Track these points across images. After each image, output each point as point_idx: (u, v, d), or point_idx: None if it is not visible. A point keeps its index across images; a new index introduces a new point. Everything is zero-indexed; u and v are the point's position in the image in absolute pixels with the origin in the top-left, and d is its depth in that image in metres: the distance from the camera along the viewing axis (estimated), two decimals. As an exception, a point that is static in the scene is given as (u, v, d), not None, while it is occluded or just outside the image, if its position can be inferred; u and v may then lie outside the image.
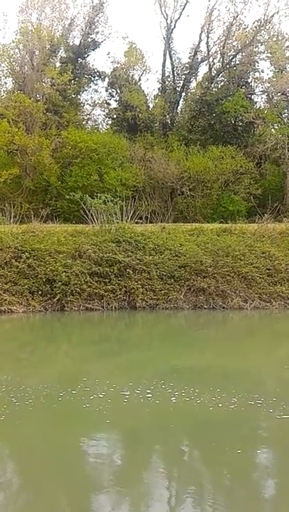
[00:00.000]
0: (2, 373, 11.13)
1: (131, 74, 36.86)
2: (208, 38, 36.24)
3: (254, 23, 35.51)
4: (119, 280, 18.91)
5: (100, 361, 12.53)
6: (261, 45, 35.82)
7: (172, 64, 37.21)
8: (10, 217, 21.82)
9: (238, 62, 36.16)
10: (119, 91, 36.32)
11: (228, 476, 6.60)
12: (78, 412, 8.44)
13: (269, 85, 36.41)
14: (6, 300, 17.79)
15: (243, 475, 6.43)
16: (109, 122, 37.89)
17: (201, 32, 36.18)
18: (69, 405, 8.69)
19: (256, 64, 36.51)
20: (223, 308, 18.87)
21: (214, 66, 36.89)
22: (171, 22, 36.54)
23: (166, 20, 36.55)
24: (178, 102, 37.44)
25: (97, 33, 36.62)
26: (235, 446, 7.28)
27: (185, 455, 7.34)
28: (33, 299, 18.14)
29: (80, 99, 37.65)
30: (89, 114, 38.87)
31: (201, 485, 6.31)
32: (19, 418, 8.32)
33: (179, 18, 36.47)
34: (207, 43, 36.33)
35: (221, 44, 35.94)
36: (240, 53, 35.88)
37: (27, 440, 7.65)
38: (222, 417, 8.20)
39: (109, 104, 37.89)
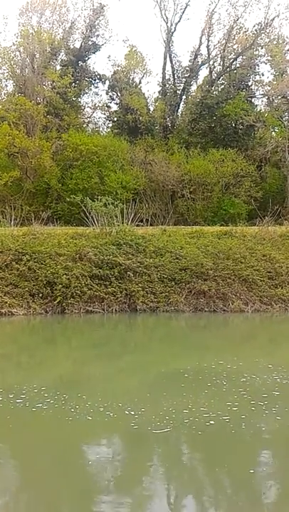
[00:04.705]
0: (2, 376, 11.12)
1: (131, 77, 36.93)
2: (208, 41, 36.36)
3: (254, 26, 35.73)
4: (119, 283, 18.89)
5: (101, 364, 12.49)
6: (261, 48, 35.93)
7: (173, 67, 37.31)
8: (10, 220, 21.80)
9: (238, 65, 36.23)
10: (119, 94, 36.37)
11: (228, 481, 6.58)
12: (79, 414, 8.39)
13: (269, 88, 36.49)
14: (6, 303, 17.75)
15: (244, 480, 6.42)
16: (110, 125, 37.96)
17: (202, 35, 36.29)
18: (69, 408, 8.65)
19: (256, 67, 36.62)
20: (224, 311, 18.84)
21: (215, 69, 36.99)
22: (172, 25, 36.71)
23: (167, 23, 36.74)
24: (178, 105, 37.52)
25: (98, 36, 36.70)
26: (235, 453, 7.26)
27: (185, 461, 7.32)
28: (33, 301, 18.11)
29: (80, 102, 37.73)
30: (89, 117, 38.97)
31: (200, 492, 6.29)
32: (19, 421, 8.29)
33: (179, 21, 36.70)
34: (207, 46, 36.44)
35: (222, 47, 36.02)
36: (241, 56, 35.96)
37: (26, 444, 7.61)
38: (222, 422, 8.18)
39: (109, 107, 37.99)
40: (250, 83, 37.01)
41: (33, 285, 18.33)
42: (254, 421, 8.20)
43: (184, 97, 37.83)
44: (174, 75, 37.42)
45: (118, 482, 6.40)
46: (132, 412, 8.36)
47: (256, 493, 6.20)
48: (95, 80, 37.51)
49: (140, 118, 34.54)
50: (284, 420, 8.25)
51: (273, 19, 35.38)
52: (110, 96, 37.55)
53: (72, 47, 36.46)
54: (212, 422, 7.98)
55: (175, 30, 36.77)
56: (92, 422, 8.14)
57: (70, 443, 7.64)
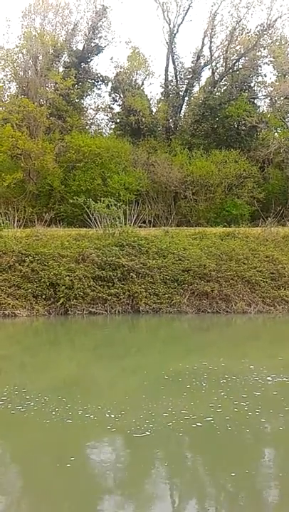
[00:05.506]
0: (5, 377, 11.15)
1: (134, 78, 36.92)
2: (211, 42, 36.34)
3: (257, 27, 35.69)
4: (122, 284, 18.91)
5: (104, 365, 12.52)
6: (264, 49, 35.91)
7: (175, 68, 37.32)
8: (14, 222, 21.84)
9: (241, 66, 36.22)
10: (122, 95, 36.40)
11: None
12: (81, 416, 8.42)
13: (272, 89, 36.45)
14: (9, 304, 17.80)
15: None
16: (113, 126, 37.99)
17: (204, 36, 36.28)
18: (72, 410, 8.67)
19: (259, 68, 36.58)
20: (227, 312, 18.85)
21: (217, 70, 36.96)
22: (174, 27, 36.70)
23: (169, 25, 36.73)
24: (181, 107, 37.52)
25: (100, 37, 36.73)
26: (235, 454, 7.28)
27: (186, 462, 7.34)
28: (36, 302, 18.15)
29: (83, 104, 37.76)
30: (92, 119, 38.98)
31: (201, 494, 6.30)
32: (20, 422, 8.31)
33: (181, 22, 36.66)
34: (210, 47, 36.41)
35: (224, 48, 36.01)
36: (243, 58, 35.95)
37: (28, 445, 7.64)
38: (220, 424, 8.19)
39: (112, 108, 38.02)
40: (252, 84, 37.01)
41: (36, 286, 18.38)
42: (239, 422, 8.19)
43: (186, 98, 37.85)
44: (176, 76, 37.44)
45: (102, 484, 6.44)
46: (133, 415, 8.39)
47: (254, 493, 6.22)
48: (97, 82, 37.57)
49: (143, 119, 34.54)
50: (269, 422, 8.30)
51: (276, 20, 35.37)
52: (113, 97, 37.62)
53: (74, 49, 36.53)
54: (199, 424, 7.99)
55: (177, 31, 36.83)
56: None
57: (73, 443, 7.68)
